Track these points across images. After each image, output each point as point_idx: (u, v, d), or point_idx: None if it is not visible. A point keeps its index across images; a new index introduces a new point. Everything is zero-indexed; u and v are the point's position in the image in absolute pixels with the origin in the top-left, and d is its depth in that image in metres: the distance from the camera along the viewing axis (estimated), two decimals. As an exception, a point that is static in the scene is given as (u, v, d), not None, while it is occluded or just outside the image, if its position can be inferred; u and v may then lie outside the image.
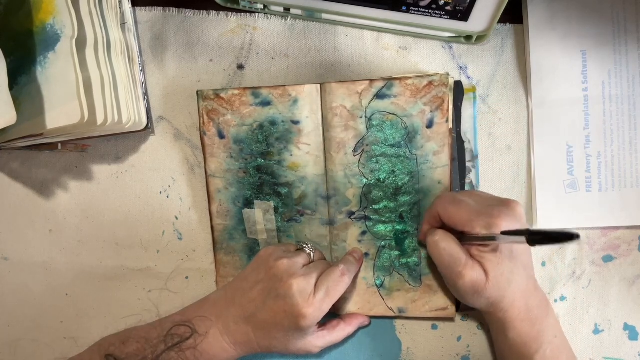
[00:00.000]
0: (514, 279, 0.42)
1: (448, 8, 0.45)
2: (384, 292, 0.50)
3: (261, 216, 0.51)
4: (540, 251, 0.51)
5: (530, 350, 0.43)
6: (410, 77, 0.47)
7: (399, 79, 0.47)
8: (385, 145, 0.48)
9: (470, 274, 0.42)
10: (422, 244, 0.49)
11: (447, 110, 0.47)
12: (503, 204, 0.42)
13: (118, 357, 0.43)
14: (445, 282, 0.47)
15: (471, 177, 0.51)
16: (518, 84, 0.51)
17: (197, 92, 0.50)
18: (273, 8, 0.50)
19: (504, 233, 0.39)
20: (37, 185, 0.54)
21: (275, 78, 0.52)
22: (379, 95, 0.48)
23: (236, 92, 0.49)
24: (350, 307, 0.51)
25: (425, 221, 0.47)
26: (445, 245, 0.43)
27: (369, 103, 0.48)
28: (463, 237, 0.43)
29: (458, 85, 0.50)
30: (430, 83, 0.47)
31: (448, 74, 0.47)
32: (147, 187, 0.53)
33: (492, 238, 0.40)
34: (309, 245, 0.49)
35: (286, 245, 0.49)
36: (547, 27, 0.49)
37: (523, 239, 0.37)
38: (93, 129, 0.44)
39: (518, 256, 0.43)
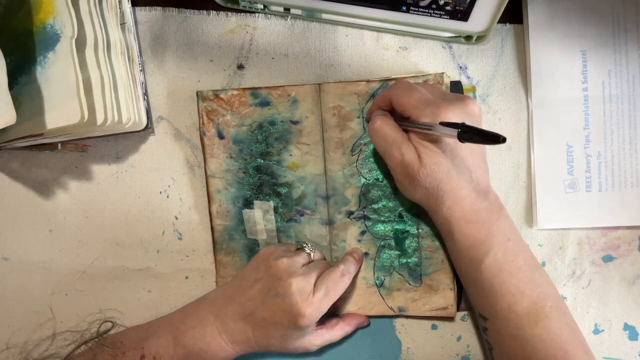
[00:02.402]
0: (454, 175, 0.41)
1: (448, 8, 0.45)
2: (384, 291, 0.50)
3: (261, 216, 0.51)
4: (540, 251, 0.51)
5: (479, 254, 0.42)
6: (406, 77, 0.47)
7: (395, 79, 0.47)
8: (383, 144, 0.48)
9: (403, 154, 0.41)
10: (367, 120, 0.49)
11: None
12: (457, 98, 0.41)
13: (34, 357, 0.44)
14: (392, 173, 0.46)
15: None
16: (518, 84, 0.51)
17: (197, 92, 0.50)
18: (273, 8, 0.50)
19: (442, 124, 0.38)
20: (37, 185, 0.54)
21: (275, 78, 0.52)
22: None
23: (235, 92, 0.49)
24: (350, 306, 0.51)
25: (375, 102, 0.46)
26: (384, 131, 0.43)
27: (366, 103, 0.48)
28: (404, 122, 0.43)
29: (457, 85, 0.50)
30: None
31: (443, 73, 0.47)
32: (147, 187, 0.53)
33: (429, 127, 0.40)
34: (309, 245, 0.49)
35: (286, 245, 0.49)
36: (547, 27, 0.49)
37: (455, 131, 0.36)
38: (93, 129, 0.44)
39: (461, 153, 0.41)
